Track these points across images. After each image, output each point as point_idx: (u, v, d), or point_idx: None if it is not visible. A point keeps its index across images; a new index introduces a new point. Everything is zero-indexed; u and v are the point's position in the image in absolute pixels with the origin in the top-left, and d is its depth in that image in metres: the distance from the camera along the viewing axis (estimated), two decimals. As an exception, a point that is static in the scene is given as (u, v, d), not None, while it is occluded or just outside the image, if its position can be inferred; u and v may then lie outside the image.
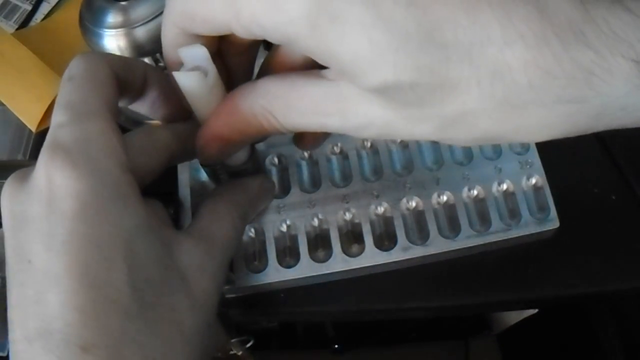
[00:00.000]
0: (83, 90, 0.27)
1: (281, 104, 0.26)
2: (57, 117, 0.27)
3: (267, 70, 0.29)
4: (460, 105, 0.22)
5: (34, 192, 0.25)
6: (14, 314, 0.25)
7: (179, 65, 0.28)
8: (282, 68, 0.28)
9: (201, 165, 0.33)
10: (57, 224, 0.24)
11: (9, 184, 0.27)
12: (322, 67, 0.25)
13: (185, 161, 0.34)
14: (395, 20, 0.20)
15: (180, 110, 0.32)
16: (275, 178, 0.45)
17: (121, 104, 0.31)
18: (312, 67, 0.26)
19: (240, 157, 0.35)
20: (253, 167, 0.36)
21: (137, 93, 0.31)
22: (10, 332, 0.25)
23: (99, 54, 0.30)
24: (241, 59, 0.30)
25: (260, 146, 0.46)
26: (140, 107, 0.32)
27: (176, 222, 0.41)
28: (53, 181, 0.25)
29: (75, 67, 0.28)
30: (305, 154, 0.45)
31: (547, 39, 0.20)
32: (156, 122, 0.34)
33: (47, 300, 0.24)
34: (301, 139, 0.33)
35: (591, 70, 0.20)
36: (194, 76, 0.27)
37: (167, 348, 0.25)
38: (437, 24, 0.20)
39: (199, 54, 0.27)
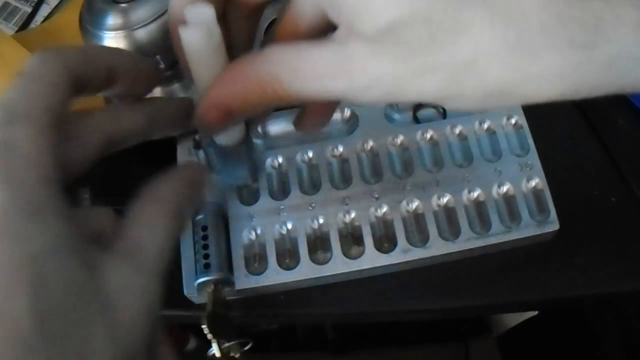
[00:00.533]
0: (25, 89, 0.25)
1: (288, 70, 0.26)
2: None
3: (272, 41, 0.28)
4: (471, 49, 0.22)
5: None
6: None
7: (182, 23, 0.27)
8: (288, 37, 0.28)
9: (195, 144, 0.33)
10: None
11: None
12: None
13: (132, 144, 0.31)
14: None
15: (148, 91, 0.31)
16: (275, 180, 0.45)
17: (83, 96, 0.29)
18: (318, 36, 0.26)
19: (234, 136, 0.34)
20: (246, 150, 0.36)
21: (101, 84, 0.29)
22: None
23: (56, 51, 0.27)
24: (244, 25, 0.30)
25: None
26: (110, 94, 0.31)
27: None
28: None
29: (27, 64, 0.26)
30: (306, 156, 0.45)
31: None
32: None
33: None
34: (302, 119, 0.32)
35: (601, 17, 0.20)
36: (201, 31, 0.26)
37: None
38: None
39: (206, 14, 0.26)
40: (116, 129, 0.29)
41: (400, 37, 0.22)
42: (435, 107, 0.48)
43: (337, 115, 0.48)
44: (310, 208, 0.43)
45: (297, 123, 0.33)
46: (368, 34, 0.23)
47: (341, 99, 0.26)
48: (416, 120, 0.48)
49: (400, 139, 0.46)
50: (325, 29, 0.26)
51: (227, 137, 0.34)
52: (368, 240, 0.42)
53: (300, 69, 0.25)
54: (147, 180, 0.29)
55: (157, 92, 0.34)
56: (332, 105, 0.32)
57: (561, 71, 0.22)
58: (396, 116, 0.48)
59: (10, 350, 0.21)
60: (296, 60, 0.25)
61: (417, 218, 0.44)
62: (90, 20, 0.42)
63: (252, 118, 0.34)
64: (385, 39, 0.22)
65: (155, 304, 0.26)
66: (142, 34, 0.41)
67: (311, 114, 0.32)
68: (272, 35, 0.29)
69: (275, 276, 0.41)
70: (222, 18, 0.29)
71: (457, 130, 0.46)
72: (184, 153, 0.43)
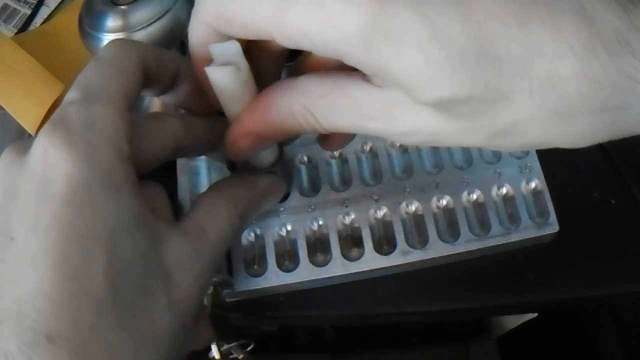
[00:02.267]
0: (103, 73, 0.27)
1: (322, 104, 0.26)
2: (70, 94, 0.26)
3: (302, 70, 0.28)
4: (511, 116, 0.22)
5: (28, 168, 0.25)
6: None
7: (206, 61, 0.27)
8: (318, 69, 0.27)
9: (228, 166, 0.33)
10: (44, 205, 0.24)
11: (5, 155, 0.26)
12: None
13: (193, 156, 0.33)
14: (452, 36, 0.21)
15: (208, 106, 0.31)
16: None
17: (148, 94, 0.31)
18: (350, 68, 0.26)
19: (267, 158, 0.34)
20: (281, 172, 0.35)
21: (166, 85, 0.30)
22: None
23: (132, 42, 0.29)
24: (271, 62, 0.30)
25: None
26: (169, 99, 0.32)
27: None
28: (48, 160, 0.24)
29: (104, 49, 0.28)
30: (304, 158, 0.45)
31: (595, 50, 0.21)
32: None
33: (22, 282, 0.23)
34: (327, 139, 0.33)
35: (636, 78, 0.21)
36: (227, 71, 0.26)
37: (136, 348, 0.24)
38: (492, 38, 0.21)
39: (231, 49, 0.26)
40: (187, 137, 0.30)
41: (443, 109, 0.23)
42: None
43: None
44: (309, 210, 0.43)
45: (322, 142, 0.33)
46: (410, 97, 0.23)
47: (375, 135, 0.27)
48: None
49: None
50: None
51: (261, 159, 0.33)
52: (367, 242, 0.42)
53: (337, 105, 0.26)
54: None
55: (156, 101, 0.33)
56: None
57: (595, 129, 0.23)
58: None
59: (85, 311, 0.23)
60: (331, 95, 0.26)
61: (417, 220, 0.44)
62: (90, 22, 0.42)
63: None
64: (427, 106, 0.23)
65: (207, 285, 0.29)
66: (141, 36, 0.41)
67: (336, 137, 0.33)
68: (301, 63, 0.29)
69: (274, 278, 0.41)
70: (247, 52, 0.29)
71: (456, 132, 0.46)
72: (183, 167, 0.43)
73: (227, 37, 0.26)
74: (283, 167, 0.36)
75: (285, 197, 0.44)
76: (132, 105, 0.27)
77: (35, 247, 0.23)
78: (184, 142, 0.30)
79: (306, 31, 0.23)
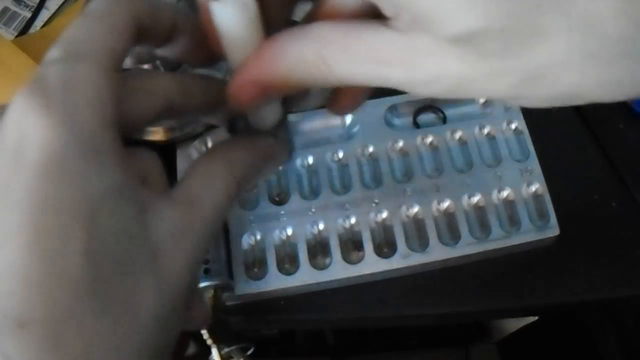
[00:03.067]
0: (90, 28, 0.24)
1: (337, 50, 0.24)
2: (51, 52, 0.24)
3: (314, 19, 0.26)
4: (546, 57, 0.21)
5: (2, 133, 0.22)
6: None
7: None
8: (333, 17, 0.25)
9: (227, 128, 0.30)
10: (17, 176, 0.21)
11: None
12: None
13: (188, 118, 0.30)
14: None
15: (209, 58, 0.29)
16: (275, 185, 0.45)
17: (144, 49, 0.28)
18: (366, 17, 0.24)
19: (270, 119, 0.31)
20: (283, 136, 0.33)
21: (162, 39, 0.28)
22: None
23: None
24: (279, 7, 0.27)
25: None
26: (167, 53, 0.29)
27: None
28: (22, 126, 0.22)
29: (93, 4, 0.25)
30: (305, 162, 0.45)
31: None
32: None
33: None
34: (338, 100, 0.30)
35: None
36: (234, 6, 0.24)
37: (118, 334, 0.22)
38: None
39: None
40: (180, 96, 0.27)
41: (473, 44, 0.21)
42: (435, 112, 0.48)
43: (336, 121, 0.48)
44: (310, 213, 0.43)
45: (331, 104, 0.31)
46: (438, 35, 0.22)
47: (394, 87, 0.24)
48: (416, 125, 0.48)
49: (400, 144, 0.46)
50: (367, 16, 0.25)
51: (263, 119, 0.31)
52: (368, 246, 0.42)
53: (353, 51, 0.24)
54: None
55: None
56: (369, 89, 0.30)
57: (634, 78, 0.21)
58: (396, 121, 0.48)
59: (61, 293, 0.21)
60: (348, 41, 0.24)
61: (417, 223, 0.44)
62: (90, 25, 0.42)
63: (289, 99, 0.32)
64: (456, 43, 0.21)
65: (200, 261, 0.26)
66: (142, 39, 0.41)
67: (348, 96, 0.30)
68: (310, 15, 0.27)
69: (275, 281, 0.41)
70: None
71: (457, 136, 0.46)
72: (183, 157, 0.43)
73: None
74: (285, 130, 0.33)
75: (287, 200, 0.43)
76: (121, 64, 0.25)
77: (6, 223, 0.21)
78: (176, 101, 0.27)
79: None
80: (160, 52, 0.29)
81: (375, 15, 0.23)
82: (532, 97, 0.23)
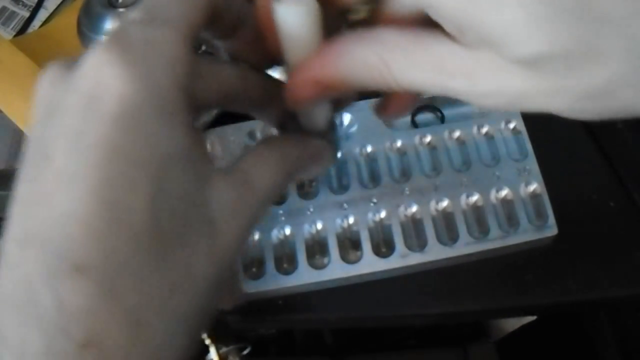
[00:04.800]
0: None
1: (401, 57, 0.24)
2: (133, 13, 0.24)
3: (375, 24, 0.26)
4: (605, 76, 0.22)
5: (76, 82, 0.23)
6: (15, 210, 0.22)
7: (272, 0, 0.25)
8: (394, 23, 0.25)
9: (277, 127, 0.31)
10: (91, 123, 0.22)
11: (50, 70, 0.24)
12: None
13: (240, 110, 0.30)
14: None
15: (265, 57, 0.29)
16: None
17: (208, 36, 0.28)
18: (427, 25, 0.24)
19: (321, 121, 0.32)
20: (331, 139, 0.33)
21: (228, 30, 0.28)
22: (6, 230, 0.22)
23: None
24: (333, 17, 0.27)
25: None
26: (228, 46, 0.30)
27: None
28: (100, 76, 0.22)
29: None
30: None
31: None
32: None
33: (54, 203, 0.21)
34: (389, 104, 0.31)
35: None
36: (299, 9, 0.24)
37: (169, 291, 0.22)
38: None
39: None
40: (240, 88, 0.28)
41: (537, 65, 0.22)
42: (433, 111, 0.48)
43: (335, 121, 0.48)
44: (308, 213, 0.43)
45: (380, 110, 0.31)
46: (503, 55, 0.22)
47: (452, 96, 0.25)
48: (414, 125, 0.48)
49: (398, 143, 0.46)
50: (426, 24, 0.25)
51: (314, 120, 0.32)
52: (366, 245, 0.42)
53: (416, 59, 0.24)
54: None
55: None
56: (418, 95, 0.31)
57: None
58: (394, 121, 0.48)
59: (121, 243, 0.21)
60: (413, 48, 0.24)
61: (415, 223, 0.44)
62: (88, 24, 0.42)
63: (337, 102, 0.32)
64: (521, 63, 0.22)
65: (246, 240, 0.27)
66: (140, 38, 0.41)
67: (398, 102, 0.30)
68: (370, 19, 0.27)
69: (273, 281, 0.41)
70: None
71: (455, 135, 0.46)
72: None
73: None
74: (334, 133, 0.34)
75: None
76: (196, 39, 0.25)
77: (73, 166, 0.21)
78: (236, 92, 0.28)
79: None
80: (221, 44, 0.30)
81: (434, 24, 0.23)
82: (589, 111, 0.23)
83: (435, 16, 0.22)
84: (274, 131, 0.33)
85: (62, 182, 0.21)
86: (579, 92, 0.22)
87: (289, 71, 0.27)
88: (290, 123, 0.32)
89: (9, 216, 0.22)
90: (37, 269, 0.21)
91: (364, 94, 0.40)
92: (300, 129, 0.32)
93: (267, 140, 0.30)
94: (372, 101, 0.47)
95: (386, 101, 0.30)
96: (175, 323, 0.23)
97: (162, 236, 0.22)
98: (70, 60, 0.24)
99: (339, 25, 0.28)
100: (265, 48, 0.28)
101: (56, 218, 0.21)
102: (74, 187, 0.21)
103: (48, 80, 0.24)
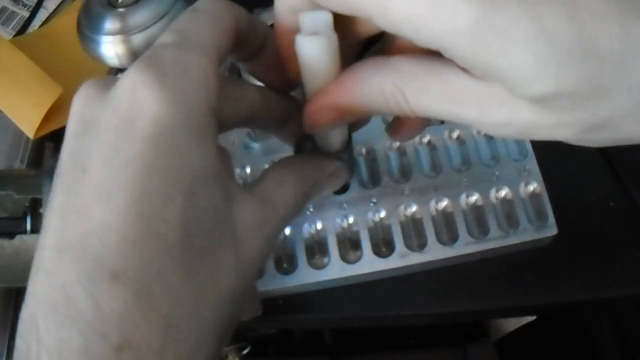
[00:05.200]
0: (200, 22, 0.26)
1: (416, 86, 0.25)
2: (164, 37, 0.26)
3: (389, 51, 0.28)
4: (609, 110, 0.23)
5: (112, 101, 0.24)
6: (52, 219, 0.24)
7: (290, 29, 0.26)
8: (407, 51, 0.27)
9: (294, 148, 0.32)
10: (127, 141, 0.23)
11: (85, 88, 0.25)
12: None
13: (260, 129, 0.32)
14: (559, 33, 0.21)
15: (284, 81, 0.30)
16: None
17: (232, 59, 0.30)
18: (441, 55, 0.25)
19: (337, 142, 0.33)
20: (347, 159, 0.34)
21: (251, 53, 0.30)
22: (42, 238, 0.23)
23: (228, 1, 0.28)
24: (347, 48, 0.28)
25: (257, 152, 0.46)
26: (250, 69, 0.31)
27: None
28: (136, 97, 0.23)
29: (202, 3, 0.27)
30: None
31: None
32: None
33: (91, 215, 0.22)
34: (401, 127, 0.32)
35: None
36: (319, 41, 0.25)
37: (199, 301, 0.24)
38: (595, 36, 0.21)
39: (322, 20, 0.25)
40: (262, 108, 0.29)
41: (544, 103, 0.23)
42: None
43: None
44: (308, 213, 0.43)
45: (393, 132, 0.33)
46: (511, 92, 0.23)
47: (464, 124, 0.26)
48: (414, 124, 0.48)
49: (397, 143, 0.46)
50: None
51: (331, 142, 0.33)
52: (366, 245, 0.42)
53: (431, 88, 0.25)
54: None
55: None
56: (430, 120, 0.32)
57: None
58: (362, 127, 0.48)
59: (155, 253, 0.22)
60: (427, 78, 0.25)
61: (415, 223, 0.44)
62: (88, 24, 0.42)
63: (354, 124, 0.33)
64: (529, 100, 0.23)
65: (267, 256, 0.29)
66: (140, 38, 0.41)
67: (410, 125, 0.32)
68: (384, 46, 0.29)
69: (273, 281, 0.41)
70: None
71: (455, 135, 0.46)
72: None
73: (317, 6, 0.25)
74: (350, 154, 0.35)
75: (344, 188, 0.44)
76: (223, 62, 0.27)
77: (111, 181, 0.23)
78: (258, 113, 0.29)
79: (414, 19, 0.22)
80: (244, 67, 0.31)
81: None
82: (595, 141, 0.25)
83: (447, 55, 0.23)
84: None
85: (99, 195, 0.23)
86: (585, 125, 0.24)
87: (306, 95, 0.28)
88: (307, 142, 0.33)
89: (44, 225, 0.24)
90: (75, 275, 0.22)
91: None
92: (317, 148, 0.33)
93: (287, 162, 0.32)
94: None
95: (399, 124, 0.32)
96: (205, 330, 0.24)
97: (192, 248, 0.23)
98: (105, 80, 0.26)
99: (351, 56, 0.29)
100: (284, 73, 0.29)
101: (94, 228, 0.22)
102: (112, 200, 0.22)
103: (84, 97, 0.25)
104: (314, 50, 0.25)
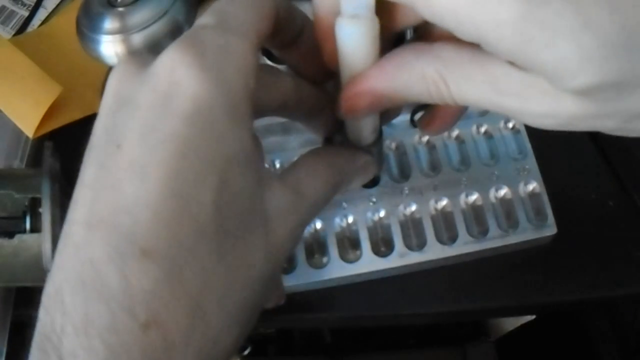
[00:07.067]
0: (241, 7, 0.26)
1: (459, 73, 0.25)
2: (203, 19, 0.25)
3: (430, 38, 0.27)
4: None
5: (150, 79, 0.24)
6: (82, 193, 0.23)
7: (332, 14, 0.25)
8: (448, 39, 0.26)
9: (323, 140, 0.32)
10: (164, 119, 0.23)
11: (123, 64, 0.25)
12: None
13: (292, 118, 0.32)
14: (602, 25, 0.21)
15: (319, 70, 0.30)
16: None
17: (269, 46, 0.30)
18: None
19: (368, 135, 0.32)
20: (377, 154, 0.34)
21: (288, 41, 0.29)
22: (71, 212, 0.23)
23: None
24: (385, 38, 0.28)
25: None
26: (285, 57, 0.31)
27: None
28: (175, 75, 0.23)
29: None
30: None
31: None
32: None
33: (125, 190, 0.22)
34: (433, 121, 0.32)
35: None
36: (361, 25, 0.25)
37: (229, 282, 0.23)
38: (638, 27, 0.21)
39: (363, 3, 0.24)
40: (294, 97, 0.29)
41: (587, 94, 0.23)
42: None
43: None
44: (307, 212, 0.43)
45: (424, 125, 0.32)
46: (554, 85, 0.23)
47: (503, 113, 0.26)
48: (413, 124, 0.48)
49: (397, 142, 0.46)
50: None
51: (361, 135, 0.32)
52: (365, 244, 0.42)
53: (473, 76, 0.25)
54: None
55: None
56: (463, 111, 0.32)
57: None
58: (393, 120, 0.48)
59: (187, 232, 0.22)
60: (470, 66, 0.25)
61: (415, 222, 0.44)
62: (88, 23, 0.42)
63: (386, 115, 0.33)
64: (572, 92, 0.23)
65: (296, 244, 0.28)
66: (139, 38, 0.41)
67: (443, 117, 0.32)
68: (425, 33, 0.28)
69: (272, 280, 0.41)
70: None
71: (454, 134, 0.46)
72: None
73: None
74: (380, 148, 0.34)
75: (374, 182, 0.44)
76: (261, 47, 0.27)
77: (145, 158, 0.23)
78: (290, 102, 0.29)
79: (458, 10, 0.22)
80: (280, 55, 0.31)
81: None
82: (631, 131, 0.25)
83: (487, 49, 0.23)
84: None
85: (133, 171, 0.22)
86: (627, 115, 0.24)
87: (343, 81, 0.28)
88: (337, 135, 0.33)
89: (74, 199, 0.23)
90: (104, 250, 0.22)
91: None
92: (346, 141, 0.32)
93: (318, 152, 0.31)
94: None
95: (431, 116, 0.32)
96: (233, 313, 0.24)
97: (224, 229, 0.23)
98: (143, 57, 0.26)
99: (389, 45, 0.29)
100: (320, 61, 0.29)
101: (126, 204, 0.22)
102: (145, 177, 0.22)
103: (120, 74, 0.25)
104: (354, 33, 0.25)
